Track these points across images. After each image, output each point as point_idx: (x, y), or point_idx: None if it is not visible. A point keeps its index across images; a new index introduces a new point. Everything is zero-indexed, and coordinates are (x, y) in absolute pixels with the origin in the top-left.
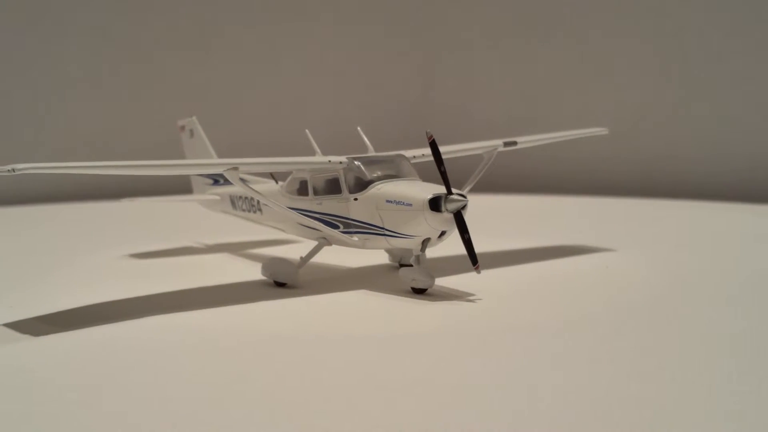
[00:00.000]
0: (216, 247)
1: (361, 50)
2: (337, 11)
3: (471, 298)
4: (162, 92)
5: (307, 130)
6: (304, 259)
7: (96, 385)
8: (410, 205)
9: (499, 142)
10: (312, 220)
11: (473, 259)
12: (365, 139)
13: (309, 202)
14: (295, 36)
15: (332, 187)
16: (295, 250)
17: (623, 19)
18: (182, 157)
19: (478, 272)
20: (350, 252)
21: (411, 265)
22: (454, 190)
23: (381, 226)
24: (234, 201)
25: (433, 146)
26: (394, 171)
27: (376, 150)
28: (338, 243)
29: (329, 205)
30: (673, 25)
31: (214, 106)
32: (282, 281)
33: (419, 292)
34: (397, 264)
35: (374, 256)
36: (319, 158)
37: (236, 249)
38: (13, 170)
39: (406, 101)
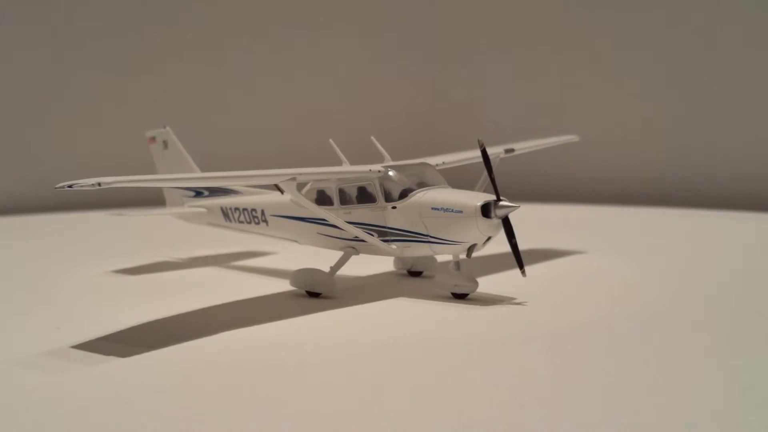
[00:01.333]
0: (197, 261)
1: (371, 61)
2: (347, 23)
3: (514, 301)
4: (167, 104)
5: (331, 140)
6: (334, 269)
7: (238, 403)
8: (461, 212)
9: (500, 149)
10: (360, 230)
11: (520, 263)
12: (381, 148)
13: (335, 212)
14: (306, 47)
15: (365, 196)
16: (279, 260)
17: (632, 29)
18: (154, 169)
19: (524, 275)
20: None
21: (420, 272)
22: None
23: (425, 233)
24: (227, 213)
25: (484, 153)
26: (426, 179)
27: (392, 159)
28: (370, 252)
29: (361, 214)
30: (681, 35)
31: (222, 118)
32: (317, 291)
33: (460, 297)
34: (405, 271)
35: (374, 264)
36: (362, 167)
37: (220, 261)
38: (99, 185)
39: (416, 111)
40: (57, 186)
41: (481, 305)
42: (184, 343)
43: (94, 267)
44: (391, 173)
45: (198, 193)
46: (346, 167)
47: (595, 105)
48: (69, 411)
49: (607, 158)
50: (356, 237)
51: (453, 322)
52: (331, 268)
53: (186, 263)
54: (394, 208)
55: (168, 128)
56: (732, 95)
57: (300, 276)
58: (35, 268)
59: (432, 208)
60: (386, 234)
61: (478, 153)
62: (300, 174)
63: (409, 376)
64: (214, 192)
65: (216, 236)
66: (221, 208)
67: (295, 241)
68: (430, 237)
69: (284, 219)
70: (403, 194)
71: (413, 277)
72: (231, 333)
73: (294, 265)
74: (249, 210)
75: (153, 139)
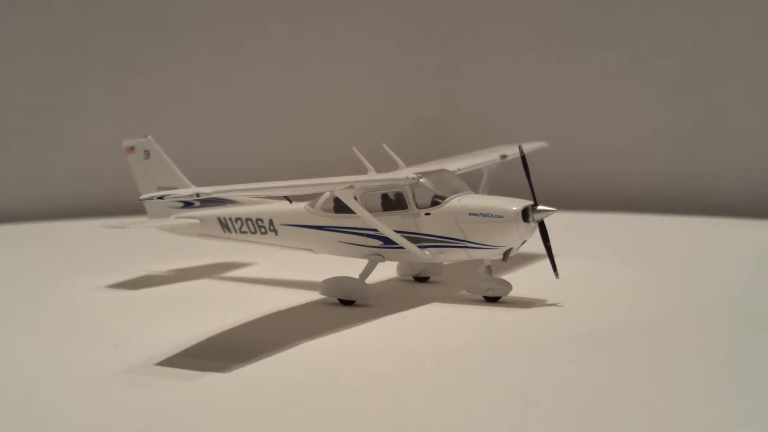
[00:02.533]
0: (183, 274)
1: (378, 67)
2: (354, 28)
3: (546, 304)
4: (172, 110)
5: (354, 148)
6: (362, 277)
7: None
8: (501, 216)
9: (496, 155)
10: (401, 237)
11: (554, 265)
12: (393, 155)
13: (360, 220)
14: (313, 53)
15: (394, 203)
16: (267, 269)
17: (641, 37)
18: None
19: (557, 277)
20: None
21: (427, 278)
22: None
23: (462, 238)
24: (226, 223)
25: (523, 159)
26: (453, 185)
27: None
28: (398, 259)
29: (390, 220)
30: (691, 42)
31: (227, 124)
32: (352, 299)
33: (493, 300)
34: (411, 278)
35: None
36: (399, 174)
37: (208, 273)
38: (198, 195)
39: (424, 117)
40: (142, 198)
41: (517, 308)
42: (271, 357)
43: (83, 281)
44: (422, 180)
45: (187, 203)
46: (393, 174)
47: (604, 112)
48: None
49: (615, 165)
50: (384, 244)
51: (498, 325)
52: (360, 275)
53: (173, 276)
54: (427, 214)
55: (150, 137)
56: (742, 102)
57: (333, 284)
58: (32, 280)
59: (470, 214)
60: (419, 240)
61: (480, 159)
62: (356, 182)
63: (488, 379)
64: (207, 202)
65: (178, 247)
66: (219, 219)
67: (310, 251)
68: (467, 242)
69: (297, 228)
70: (436, 200)
71: (420, 282)
72: (303, 345)
73: (283, 274)
74: (254, 220)
75: (131, 149)
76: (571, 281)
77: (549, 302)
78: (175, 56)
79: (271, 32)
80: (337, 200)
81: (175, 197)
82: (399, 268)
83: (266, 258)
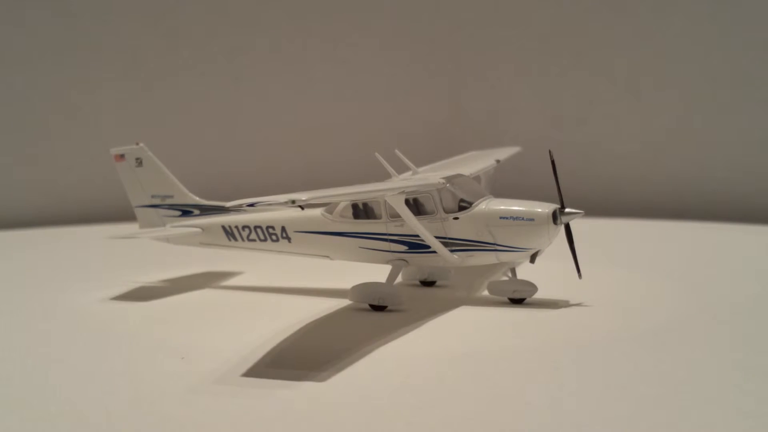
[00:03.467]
0: (181, 284)
1: (388, 73)
2: (364, 35)
3: (571, 304)
4: (183, 117)
5: (377, 153)
6: (389, 282)
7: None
8: (532, 219)
9: (491, 160)
10: (438, 242)
11: (577, 266)
12: (407, 161)
13: (383, 225)
14: (324, 60)
15: (420, 207)
16: (265, 275)
17: (651, 41)
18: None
19: (580, 278)
20: (346, 271)
21: (434, 282)
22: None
23: (492, 242)
24: (232, 231)
25: (553, 164)
26: (474, 189)
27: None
28: (423, 263)
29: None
30: (702, 47)
31: (239, 131)
32: (384, 305)
33: (518, 301)
34: (417, 282)
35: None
36: (431, 178)
37: (206, 283)
38: (293, 202)
39: (433, 122)
40: (230, 204)
41: (546, 309)
42: (357, 364)
43: (86, 293)
44: (449, 185)
45: (185, 212)
46: (424, 179)
47: (615, 117)
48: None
49: (627, 171)
50: (409, 249)
51: (534, 327)
52: (386, 281)
53: (171, 287)
54: (456, 218)
55: (142, 144)
56: (754, 108)
57: (365, 290)
58: (36, 291)
59: (500, 218)
60: (447, 245)
61: (480, 164)
62: (407, 188)
63: (555, 378)
64: (207, 211)
65: (156, 258)
66: (223, 227)
67: (326, 257)
68: (498, 245)
69: (313, 235)
70: (462, 205)
71: (426, 287)
72: (376, 351)
73: (284, 282)
74: (264, 227)
75: (121, 156)
76: (584, 284)
77: (573, 303)
78: (186, 64)
79: (283, 40)
80: (355, 206)
81: (269, 203)
82: (405, 272)
83: (250, 266)
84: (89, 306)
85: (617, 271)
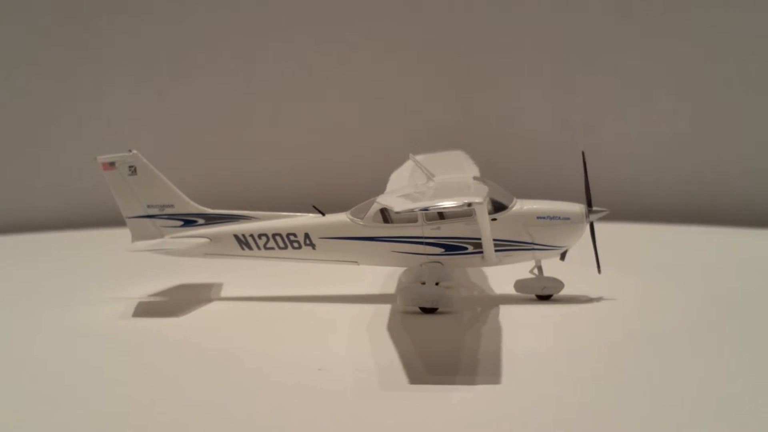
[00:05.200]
0: (181, 297)
1: (397, 78)
2: (375, 39)
3: (596, 300)
4: (192, 121)
5: (411, 154)
6: (430, 284)
7: None
8: (568, 219)
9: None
10: (491, 243)
11: (598, 261)
12: (423, 166)
13: (419, 229)
14: (335, 65)
15: (459, 210)
16: (261, 284)
17: (663, 45)
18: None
19: (600, 272)
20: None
21: (437, 284)
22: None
23: (530, 241)
24: (246, 240)
25: (584, 164)
26: (499, 191)
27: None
28: (459, 264)
29: (453, 228)
30: (713, 51)
31: (248, 135)
32: (436, 307)
33: (545, 298)
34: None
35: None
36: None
37: (199, 295)
38: (469, 204)
39: (443, 128)
40: (399, 209)
41: (581, 304)
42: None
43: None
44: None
45: (188, 221)
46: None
47: (626, 121)
48: None
49: (639, 175)
50: (445, 252)
51: (577, 324)
52: (428, 283)
53: (173, 302)
54: (494, 219)
55: (136, 151)
56: (766, 111)
57: (417, 294)
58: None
59: (538, 217)
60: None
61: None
62: (487, 195)
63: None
64: (213, 220)
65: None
66: (235, 236)
67: (353, 263)
68: (535, 244)
69: (341, 240)
70: (498, 206)
71: None
72: (479, 354)
73: (280, 289)
74: (284, 235)
75: (111, 165)
76: (600, 286)
77: (597, 298)
78: (197, 68)
79: (294, 44)
80: (384, 211)
81: (446, 208)
82: (405, 275)
83: (221, 276)
84: (104, 324)
85: (625, 274)
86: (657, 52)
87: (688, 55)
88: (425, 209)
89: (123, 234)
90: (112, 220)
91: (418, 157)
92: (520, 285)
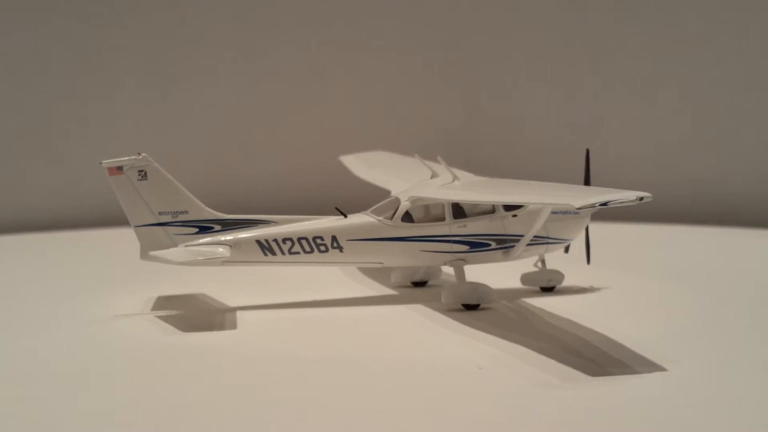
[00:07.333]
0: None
1: (403, 79)
2: (380, 40)
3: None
4: (198, 124)
5: (439, 157)
6: (462, 281)
7: None
8: (578, 212)
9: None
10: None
11: (588, 253)
12: (429, 166)
13: (447, 227)
14: (339, 66)
15: (482, 208)
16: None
17: (669, 46)
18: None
19: (588, 263)
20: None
21: (426, 282)
22: None
23: (545, 235)
24: (270, 245)
25: (587, 161)
26: None
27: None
28: (482, 261)
29: (478, 225)
30: (719, 53)
31: (254, 138)
32: (478, 303)
33: (549, 290)
34: (409, 284)
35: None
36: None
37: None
38: (641, 198)
39: (449, 129)
40: (579, 205)
41: (590, 293)
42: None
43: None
44: None
45: (203, 228)
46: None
47: (632, 122)
48: None
49: (643, 176)
50: (470, 249)
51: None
52: (459, 280)
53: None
54: (515, 216)
55: (145, 155)
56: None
57: (464, 291)
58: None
59: (552, 212)
60: (506, 241)
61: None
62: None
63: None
64: (229, 226)
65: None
66: (258, 242)
67: (378, 264)
68: (549, 238)
69: (369, 242)
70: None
71: (418, 287)
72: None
73: (289, 295)
74: (310, 239)
75: (119, 169)
76: (600, 287)
77: (598, 287)
78: (202, 70)
79: (298, 45)
80: (410, 210)
81: (621, 202)
82: (395, 275)
83: (217, 283)
84: (106, 324)
85: (628, 274)
86: (661, 55)
87: (693, 57)
88: (604, 204)
89: (126, 234)
90: (118, 220)
91: (350, 157)
92: (526, 278)
